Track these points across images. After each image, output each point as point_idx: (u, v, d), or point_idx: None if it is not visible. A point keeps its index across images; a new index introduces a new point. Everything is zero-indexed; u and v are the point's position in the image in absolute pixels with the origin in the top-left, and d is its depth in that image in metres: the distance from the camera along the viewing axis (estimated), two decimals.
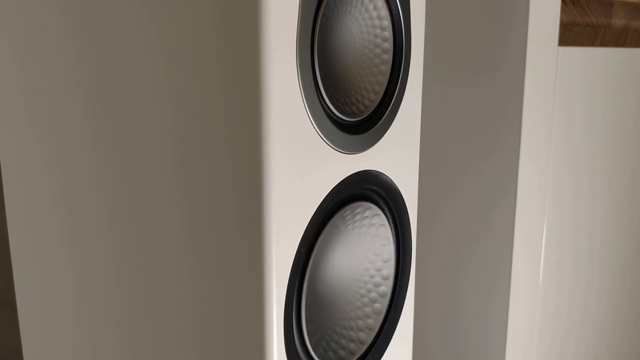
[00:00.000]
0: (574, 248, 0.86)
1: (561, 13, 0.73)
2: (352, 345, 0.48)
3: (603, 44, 0.84)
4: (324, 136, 0.41)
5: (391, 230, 0.49)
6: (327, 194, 0.43)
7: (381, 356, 0.50)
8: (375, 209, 0.47)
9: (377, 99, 0.45)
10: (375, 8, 0.43)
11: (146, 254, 0.48)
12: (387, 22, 0.44)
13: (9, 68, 0.53)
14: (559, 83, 0.75)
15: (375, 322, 0.49)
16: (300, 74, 0.39)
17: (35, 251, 0.57)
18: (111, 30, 0.45)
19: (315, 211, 0.42)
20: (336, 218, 0.44)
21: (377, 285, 0.49)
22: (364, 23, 0.43)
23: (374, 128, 0.45)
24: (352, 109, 0.44)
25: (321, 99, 0.41)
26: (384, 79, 0.45)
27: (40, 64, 0.50)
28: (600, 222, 0.89)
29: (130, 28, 0.44)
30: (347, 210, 0.45)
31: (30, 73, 0.51)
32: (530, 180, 0.72)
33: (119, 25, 0.45)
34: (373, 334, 0.49)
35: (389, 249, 0.49)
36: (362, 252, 0.48)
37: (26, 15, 0.50)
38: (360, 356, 0.48)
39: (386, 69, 0.45)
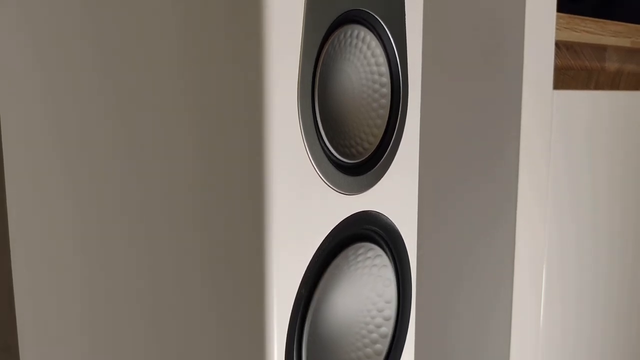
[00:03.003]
0: (577, 285, 0.86)
1: (555, 57, 0.75)
2: None
3: (597, 87, 0.86)
4: (324, 177, 0.42)
5: (393, 271, 0.49)
6: (327, 234, 0.43)
7: None
8: (377, 250, 0.48)
9: (375, 141, 0.46)
10: (374, 55, 0.45)
11: (148, 294, 0.48)
12: (384, 69, 0.46)
13: (25, 67, 0.54)
14: (554, 126, 0.76)
15: None
16: (302, 118, 0.40)
17: (39, 260, 0.57)
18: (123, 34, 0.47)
19: (316, 251, 0.43)
20: (339, 259, 0.45)
21: (378, 326, 0.49)
22: (362, 69, 0.45)
23: (372, 170, 0.46)
24: (352, 151, 0.45)
25: (321, 142, 0.42)
26: (382, 123, 0.46)
27: (53, 57, 0.52)
28: (604, 254, 0.89)
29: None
30: (350, 251, 0.45)
31: (43, 63, 0.53)
32: (529, 221, 0.72)
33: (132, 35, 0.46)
34: None
35: (391, 290, 0.49)
36: (365, 293, 0.48)
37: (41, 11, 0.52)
38: None
39: (384, 112, 0.46)
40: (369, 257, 0.47)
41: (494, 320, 0.74)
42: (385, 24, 0.45)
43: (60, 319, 0.56)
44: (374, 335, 0.49)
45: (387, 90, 0.46)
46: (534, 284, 0.75)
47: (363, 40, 0.44)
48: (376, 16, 0.44)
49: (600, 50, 0.85)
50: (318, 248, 0.43)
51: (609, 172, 0.87)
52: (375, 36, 0.45)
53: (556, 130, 0.77)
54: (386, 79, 0.46)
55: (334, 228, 0.44)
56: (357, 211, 0.46)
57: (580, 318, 0.87)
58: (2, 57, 0.55)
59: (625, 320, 0.95)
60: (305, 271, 0.42)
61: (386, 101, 0.46)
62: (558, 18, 0.73)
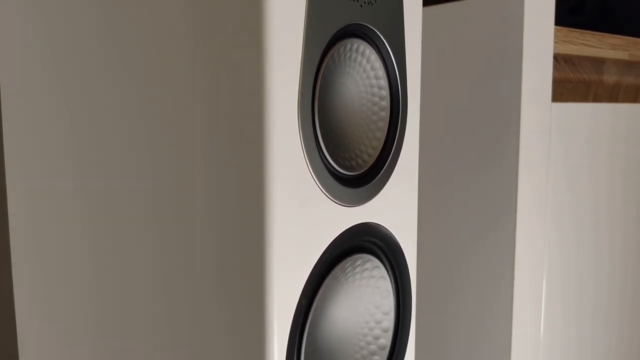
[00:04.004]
0: (577, 296, 0.86)
1: (554, 70, 0.76)
2: None
3: (596, 99, 0.87)
4: (324, 189, 0.43)
5: (391, 282, 0.49)
6: (327, 246, 0.44)
7: None
8: (375, 261, 0.48)
9: (375, 154, 0.47)
10: (373, 69, 0.45)
11: (148, 309, 0.49)
12: (384, 82, 0.46)
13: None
14: (553, 138, 0.77)
15: None
16: (302, 131, 0.41)
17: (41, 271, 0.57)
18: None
19: (316, 263, 0.43)
20: (336, 270, 0.45)
21: (376, 338, 0.49)
22: (362, 83, 0.45)
23: (372, 182, 0.46)
24: (352, 163, 0.45)
25: (321, 154, 0.42)
26: (382, 135, 0.47)
27: (61, 49, 0.53)
28: (604, 264, 0.89)
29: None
30: (347, 263, 0.46)
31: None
32: (528, 231, 0.72)
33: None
34: None
35: (389, 302, 0.49)
36: (363, 304, 0.48)
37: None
38: None
39: (384, 125, 0.47)
40: (367, 269, 0.47)
41: (494, 328, 0.74)
42: (385, 38, 0.46)
43: (60, 328, 0.57)
44: (373, 347, 0.49)
45: (386, 103, 0.47)
46: (534, 296, 0.75)
47: (363, 54, 0.45)
48: (376, 30, 0.45)
49: (598, 63, 0.86)
50: (318, 260, 0.43)
51: (608, 184, 0.87)
52: (375, 50, 0.45)
53: (555, 143, 0.77)
54: (385, 92, 0.46)
55: (334, 240, 0.44)
56: (357, 223, 0.46)
57: (581, 327, 0.87)
58: (10, 49, 0.56)
59: (627, 327, 0.94)
60: (306, 282, 0.42)
61: (385, 114, 0.47)
62: (556, 31, 0.73)
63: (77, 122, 0.52)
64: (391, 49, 0.47)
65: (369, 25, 0.44)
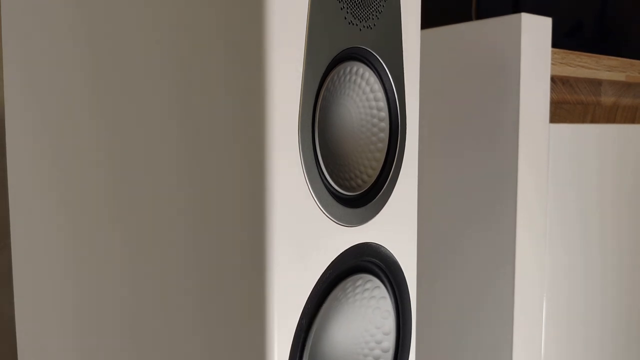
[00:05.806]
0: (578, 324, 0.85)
1: (551, 92, 0.77)
2: None
3: (594, 120, 0.87)
4: (325, 209, 0.43)
5: (392, 302, 0.49)
6: (327, 266, 0.44)
7: None
8: (375, 281, 0.48)
9: (374, 174, 0.47)
10: (372, 90, 0.46)
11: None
12: (383, 103, 0.47)
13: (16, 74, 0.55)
14: (551, 159, 0.77)
15: None
16: (302, 152, 0.41)
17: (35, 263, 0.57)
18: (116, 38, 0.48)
19: (316, 283, 0.43)
20: (337, 290, 0.45)
21: (376, 358, 0.49)
22: (361, 104, 0.46)
23: (372, 202, 0.47)
24: (351, 184, 0.46)
25: (322, 175, 0.43)
26: (381, 156, 0.47)
27: (45, 67, 0.53)
28: (601, 304, 0.88)
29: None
30: (348, 283, 0.46)
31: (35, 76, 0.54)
32: (527, 258, 0.72)
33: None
34: None
35: (389, 322, 0.49)
36: (363, 324, 0.48)
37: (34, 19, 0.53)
38: None
39: (383, 146, 0.47)
40: (368, 289, 0.47)
41: (494, 340, 0.73)
42: (384, 61, 0.47)
43: (58, 344, 0.56)
44: None
45: (385, 124, 0.47)
46: (534, 311, 0.75)
47: (362, 77, 0.45)
48: (375, 53, 0.46)
49: (595, 84, 0.87)
50: (318, 280, 0.43)
51: (607, 204, 0.88)
52: (374, 72, 0.46)
53: (553, 164, 0.78)
54: (384, 114, 0.47)
55: (334, 260, 0.44)
56: (357, 243, 0.46)
57: (585, 340, 0.86)
58: (19, 46, 0.56)
59: (634, 349, 0.94)
60: (306, 303, 0.42)
61: (385, 135, 0.47)
62: (553, 53, 0.74)
63: (81, 123, 0.53)
64: (390, 72, 0.47)
65: (368, 49, 0.45)
